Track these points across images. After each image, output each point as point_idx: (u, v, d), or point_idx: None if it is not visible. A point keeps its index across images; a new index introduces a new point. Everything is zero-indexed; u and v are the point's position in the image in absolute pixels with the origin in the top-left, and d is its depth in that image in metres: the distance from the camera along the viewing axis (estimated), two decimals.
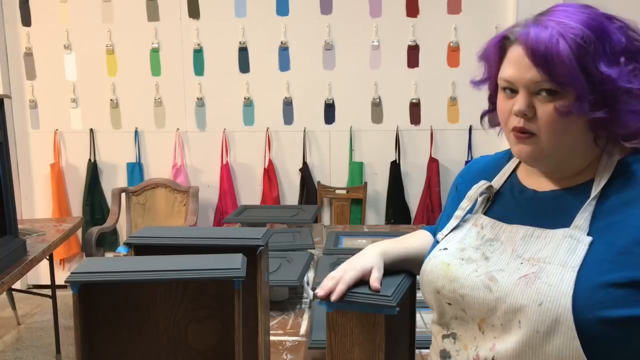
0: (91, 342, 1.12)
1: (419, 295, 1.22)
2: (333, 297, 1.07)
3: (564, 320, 0.90)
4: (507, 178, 1.13)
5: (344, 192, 4.32)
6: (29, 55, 4.37)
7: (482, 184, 1.12)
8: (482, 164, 1.22)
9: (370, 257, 1.15)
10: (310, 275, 2.19)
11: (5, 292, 3.36)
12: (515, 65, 0.99)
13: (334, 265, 2.18)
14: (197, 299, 1.16)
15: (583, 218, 0.97)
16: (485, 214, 1.11)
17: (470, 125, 4.29)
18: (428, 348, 1.58)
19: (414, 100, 4.31)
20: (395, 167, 4.34)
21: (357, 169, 4.36)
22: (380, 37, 4.27)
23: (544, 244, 0.98)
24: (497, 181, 1.13)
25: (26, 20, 4.34)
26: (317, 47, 4.30)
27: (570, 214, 0.99)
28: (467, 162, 4.30)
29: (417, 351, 1.48)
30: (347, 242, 2.62)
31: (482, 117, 1.18)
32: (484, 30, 4.21)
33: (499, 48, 1.04)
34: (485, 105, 1.20)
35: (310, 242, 2.54)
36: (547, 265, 0.95)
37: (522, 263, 0.98)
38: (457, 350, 1.05)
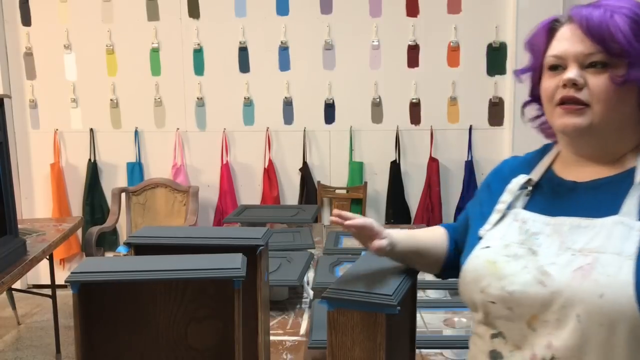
0: (91, 342, 1.12)
1: (419, 295, 1.22)
2: (347, 223, 1.14)
3: (628, 311, 0.88)
4: (544, 173, 1.12)
5: (344, 192, 4.32)
6: (29, 55, 4.37)
7: (522, 178, 1.11)
8: (513, 163, 1.22)
9: (388, 233, 1.17)
10: (310, 275, 2.19)
11: (5, 292, 3.36)
12: (566, 40, 1.02)
13: (333, 266, 2.19)
14: (197, 299, 1.16)
15: (632, 204, 0.96)
16: (524, 208, 1.10)
17: (470, 125, 4.29)
18: (428, 348, 1.59)
19: (414, 100, 4.31)
20: (395, 167, 4.33)
21: (357, 169, 4.36)
22: (380, 37, 4.27)
23: (594, 234, 0.97)
24: (535, 175, 1.12)
25: (26, 20, 4.34)
26: (317, 47, 4.30)
27: (616, 202, 0.98)
28: (467, 162, 4.30)
29: (417, 351, 1.48)
30: (347, 242, 2.62)
31: (523, 107, 1.20)
32: (484, 30, 4.22)
33: (548, 31, 1.06)
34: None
35: (310, 242, 2.54)
36: (600, 255, 0.94)
37: (573, 255, 0.96)
38: (510, 351, 1.02)
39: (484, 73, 4.25)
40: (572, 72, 0.99)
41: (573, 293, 0.93)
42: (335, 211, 1.19)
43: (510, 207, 1.11)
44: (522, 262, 1.01)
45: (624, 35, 0.95)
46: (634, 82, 0.97)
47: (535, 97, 1.14)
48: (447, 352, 1.57)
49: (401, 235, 1.21)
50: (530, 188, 1.11)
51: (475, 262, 1.07)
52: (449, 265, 1.24)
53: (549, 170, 1.11)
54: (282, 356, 1.60)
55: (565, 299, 0.94)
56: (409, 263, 1.23)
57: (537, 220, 1.05)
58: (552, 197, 1.07)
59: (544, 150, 1.17)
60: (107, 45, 4.33)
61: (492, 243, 1.07)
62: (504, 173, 1.19)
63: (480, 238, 1.11)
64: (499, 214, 1.11)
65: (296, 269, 2.04)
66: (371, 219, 1.16)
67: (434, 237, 1.27)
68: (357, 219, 1.14)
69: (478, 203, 1.21)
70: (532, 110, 1.17)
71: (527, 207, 1.09)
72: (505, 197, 1.11)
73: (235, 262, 1.08)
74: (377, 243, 1.13)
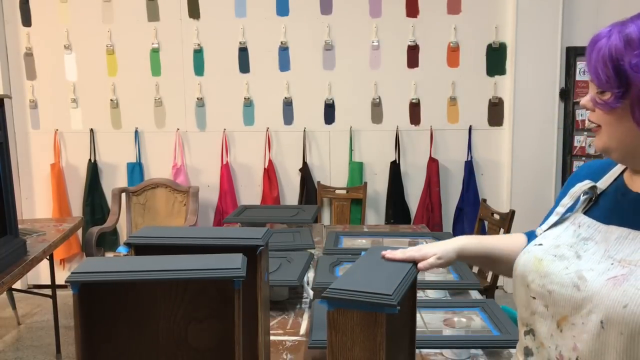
0: (91, 342, 1.12)
1: (419, 295, 1.22)
2: (387, 255, 1.22)
3: None
4: (614, 180, 1.12)
5: (344, 192, 4.32)
6: (29, 55, 4.37)
7: (585, 183, 1.13)
8: (589, 167, 1.22)
9: (439, 248, 1.24)
10: (310, 275, 2.19)
11: (5, 292, 3.37)
12: None
13: (333, 266, 2.19)
14: (197, 299, 1.16)
15: None
16: (585, 213, 1.11)
17: (470, 125, 4.29)
18: (428, 348, 1.59)
19: (413, 100, 4.31)
20: (395, 167, 4.34)
21: (357, 169, 4.36)
22: (380, 37, 4.27)
23: (638, 247, 0.98)
24: (604, 182, 1.13)
25: (26, 21, 4.34)
26: (317, 47, 4.30)
27: None
28: (466, 162, 4.30)
29: (417, 351, 1.48)
30: (347, 242, 2.62)
31: None
32: (484, 30, 4.22)
33: None
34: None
35: (310, 242, 2.54)
36: (638, 268, 0.95)
37: (612, 264, 0.98)
38: (536, 347, 1.06)
39: (484, 73, 4.25)
40: (584, 98, 1.06)
41: (601, 300, 0.95)
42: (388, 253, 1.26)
43: (572, 209, 1.13)
44: (564, 264, 1.04)
45: (594, 72, 0.99)
46: (621, 107, 0.98)
47: None
48: (447, 352, 1.57)
49: (465, 242, 1.27)
50: (592, 195, 1.12)
51: (525, 257, 1.11)
52: None
53: (619, 178, 1.12)
54: (282, 356, 1.60)
55: (594, 304, 0.96)
56: (483, 267, 1.30)
57: (590, 226, 1.07)
58: (614, 205, 1.08)
59: None
60: (107, 46, 4.33)
61: (545, 242, 1.11)
62: (580, 176, 1.20)
63: (536, 236, 1.16)
64: (556, 216, 1.14)
65: (296, 269, 2.04)
66: (409, 253, 1.24)
67: (511, 243, 1.29)
68: (395, 253, 1.24)
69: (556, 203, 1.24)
70: None
71: (588, 212, 1.11)
72: (566, 201, 1.14)
73: (235, 262, 1.08)
74: (422, 264, 1.22)
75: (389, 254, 1.23)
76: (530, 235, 1.30)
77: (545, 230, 1.14)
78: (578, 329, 0.98)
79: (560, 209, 1.14)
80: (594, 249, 1.03)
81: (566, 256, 1.05)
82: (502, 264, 1.27)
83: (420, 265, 1.20)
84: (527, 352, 1.08)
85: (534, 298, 1.06)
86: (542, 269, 1.06)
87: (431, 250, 1.23)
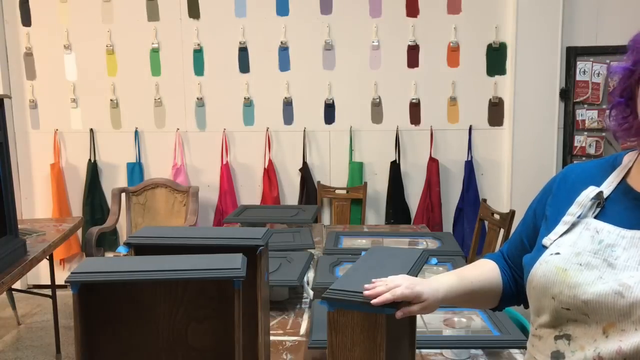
0: (91, 342, 1.12)
1: None
2: (375, 301, 1.06)
3: None
4: (617, 184, 1.10)
5: (344, 192, 4.32)
6: (29, 55, 4.37)
7: (592, 190, 1.10)
8: (580, 171, 1.18)
9: (431, 291, 1.14)
10: (310, 275, 2.19)
11: (5, 292, 3.36)
12: None
13: (333, 266, 2.19)
14: (197, 299, 1.16)
15: None
16: (594, 218, 1.08)
17: (470, 125, 4.29)
18: (428, 348, 1.59)
19: (414, 100, 4.31)
20: (395, 167, 4.33)
21: (357, 169, 4.36)
22: (380, 37, 4.27)
23: None
24: (607, 187, 1.11)
25: (26, 20, 4.34)
26: (317, 47, 4.30)
27: None
28: (466, 162, 4.30)
29: (417, 351, 1.48)
30: (347, 242, 2.62)
31: (611, 108, 1.12)
32: (484, 30, 4.22)
33: None
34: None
35: (310, 242, 2.54)
36: None
37: None
38: (572, 351, 1.03)
39: (484, 73, 4.25)
40: None
41: None
42: (367, 289, 1.11)
43: (580, 216, 1.10)
44: (596, 273, 1.01)
45: None
46: None
47: (626, 97, 1.09)
48: (447, 352, 1.57)
49: (450, 282, 1.19)
50: (598, 200, 1.09)
51: (544, 267, 1.06)
52: (506, 297, 1.25)
53: (622, 183, 1.09)
54: (282, 356, 1.60)
55: None
56: (464, 305, 1.23)
57: (612, 232, 1.04)
58: (628, 210, 1.06)
59: (615, 159, 1.15)
60: (107, 46, 4.33)
61: (563, 250, 1.06)
62: (569, 181, 1.17)
63: (544, 247, 1.11)
64: (565, 225, 1.10)
65: (296, 269, 2.04)
66: (400, 291, 1.10)
67: (485, 273, 1.25)
68: (385, 295, 1.08)
69: (547, 211, 1.19)
70: (622, 110, 1.11)
71: (598, 217, 1.08)
72: (574, 210, 1.10)
73: (235, 262, 1.07)
74: (401, 311, 1.10)
75: (378, 299, 1.08)
76: (496, 259, 1.29)
77: (554, 240, 1.10)
78: (629, 333, 0.96)
79: (569, 218, 1.10)
80: (625, 255, 1.01)
81: (594, 264, 1.02)
82: (481, 296, 1.23)
83: (399, 313, 1.09)
84: (558, 355, 1.05)
85: (568, 309, 1.03)
86: (569, 279, 1.02)
87: (424, 294, 1.13)
